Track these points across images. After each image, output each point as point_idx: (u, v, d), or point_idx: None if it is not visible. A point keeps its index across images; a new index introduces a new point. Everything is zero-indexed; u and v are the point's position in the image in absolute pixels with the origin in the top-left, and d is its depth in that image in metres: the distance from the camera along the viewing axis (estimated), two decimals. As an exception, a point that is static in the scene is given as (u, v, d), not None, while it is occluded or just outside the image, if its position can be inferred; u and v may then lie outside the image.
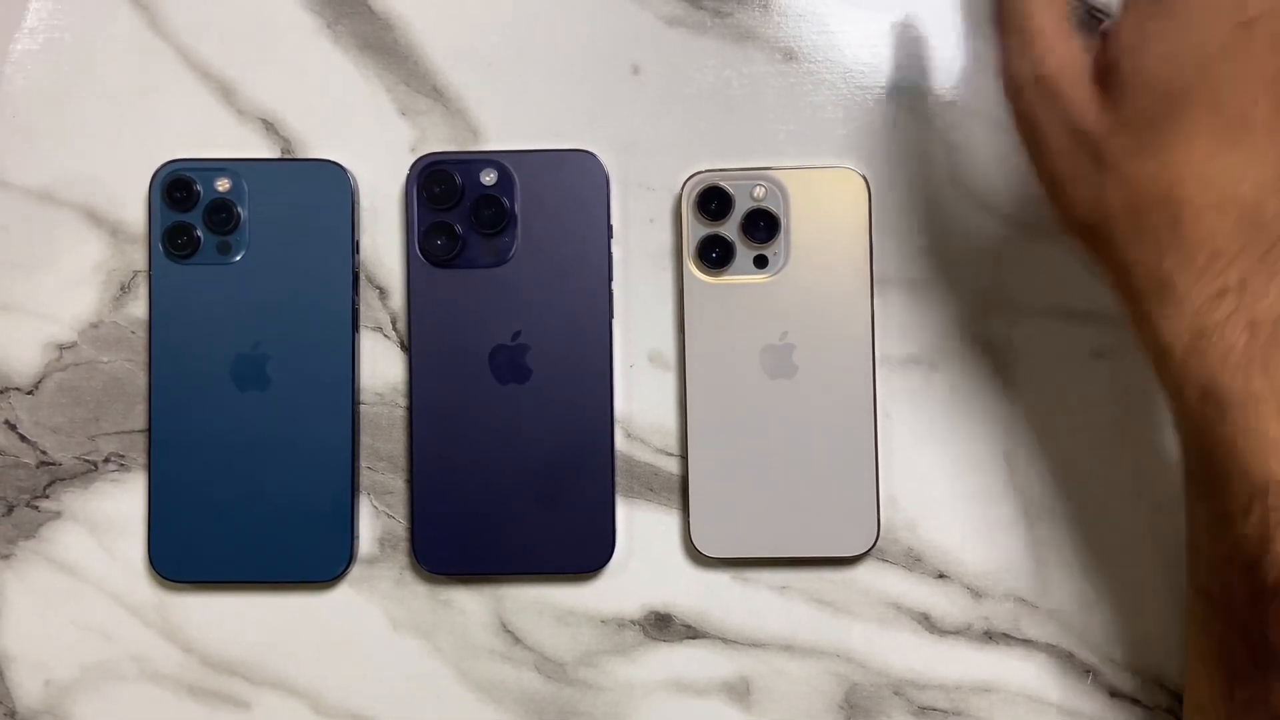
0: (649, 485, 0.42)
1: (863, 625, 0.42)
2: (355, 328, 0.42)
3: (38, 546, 0.43)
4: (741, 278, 0.41)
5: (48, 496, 0.43)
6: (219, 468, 0.41)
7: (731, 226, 0.41)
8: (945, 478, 0.42)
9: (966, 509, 0.42)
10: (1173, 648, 0.41)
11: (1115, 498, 0.41)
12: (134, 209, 0.43)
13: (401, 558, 0.42)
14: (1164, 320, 0.31)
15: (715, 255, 0.41)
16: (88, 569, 0.42)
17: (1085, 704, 0.41)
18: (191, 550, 0.41)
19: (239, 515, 0.41)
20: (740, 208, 0.41)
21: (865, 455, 0.41)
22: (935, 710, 0.41)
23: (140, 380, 0.42)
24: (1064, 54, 0.32)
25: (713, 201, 0.41)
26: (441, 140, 0.43)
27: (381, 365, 0.42)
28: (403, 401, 0.42)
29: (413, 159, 0.42)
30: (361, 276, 0.42)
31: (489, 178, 0.41)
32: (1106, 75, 0.32)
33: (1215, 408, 0.30)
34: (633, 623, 0.42)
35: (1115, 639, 0.41)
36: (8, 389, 0.43)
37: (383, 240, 0.43)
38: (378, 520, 0.42)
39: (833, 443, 0.41)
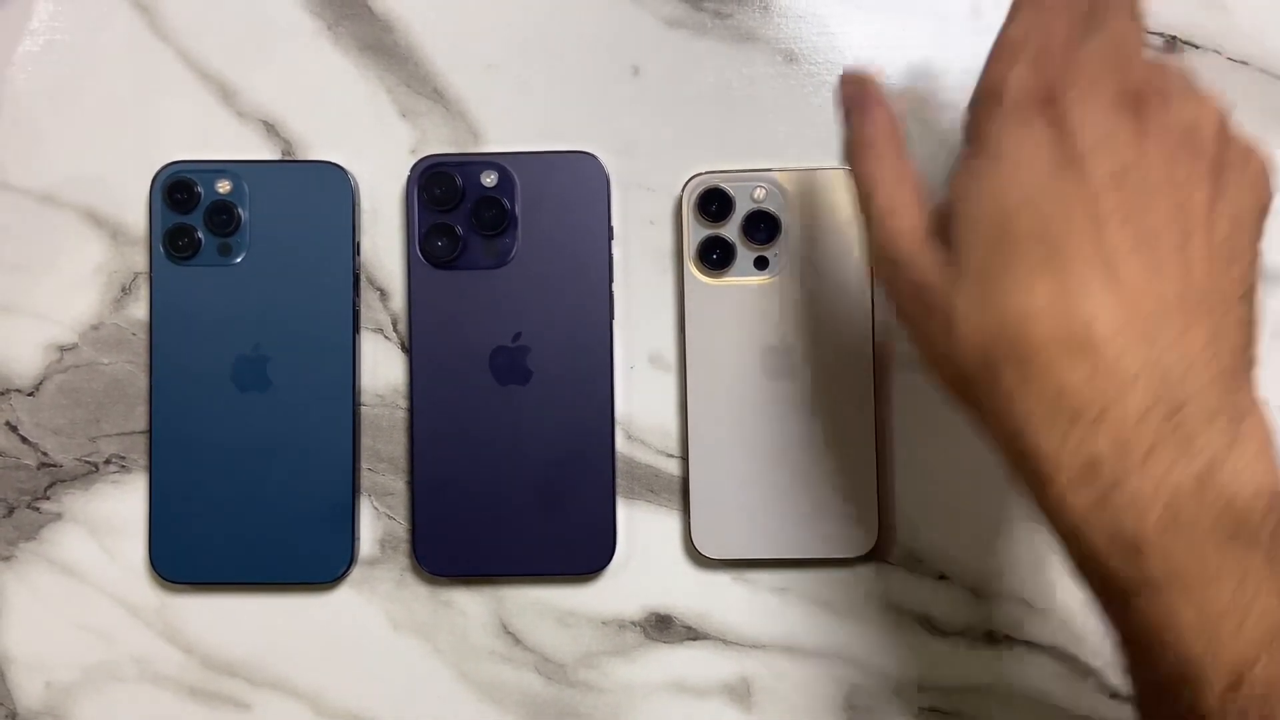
0: (649, 486, 0.42)
1: (864, 627, 0.42)
2: (356, 329, 0.42)
3: (38, 548, 0.43)
4: (742, 279, 0.41)
5: (48, 498, 0.43)
6: (220, 469, 0.41)
7: (732, 228, 0.41)
8: (946, 478, 0.42)
9: (967, 510, 0.42)
10: (1173, 649, 0.41)
11: (1116, 499, 0.41)
12: (135, 211, 0.43)
13: (402, 559, 0.42)
14: (1041, 495, 0.28)
15: (716, 256, 0.41)
16: (88, 570, 0.42)
17: (1087, 705, 0.41)
18: (192, 551, 0.41)
19: (240, 516, 0.41)
20: (741, 209, 0.41)
21: (866, 456, 0.41)
22: (936, 711, 0.41)
23: (141, 382, 0.42)
24: (906, 221, 0.30)
25: (713, 203, 0.41)
26: (442, 142, 0.43)
27: (382, 367, 0.42)
28: (403, 403, 0.42)
29: (413, 160, 0.42)
30: (362, 278, 0.42)
31: (489, 179, 0.41)
32: (946, 228, 0.30)
33: (1117, 594, 0.27)
34: (633, 624, 0.42)
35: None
36: (9, 390, 0.43)
37: (383, 242, 0.43)
38: (378, 521, 0.42)
39: (833, 444, 0.41)
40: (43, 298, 0.43)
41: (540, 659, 0.42)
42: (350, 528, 0.41)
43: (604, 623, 0.42)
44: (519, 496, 0.41)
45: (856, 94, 0.33)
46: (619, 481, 0.41)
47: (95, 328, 0.43)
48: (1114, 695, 0.41)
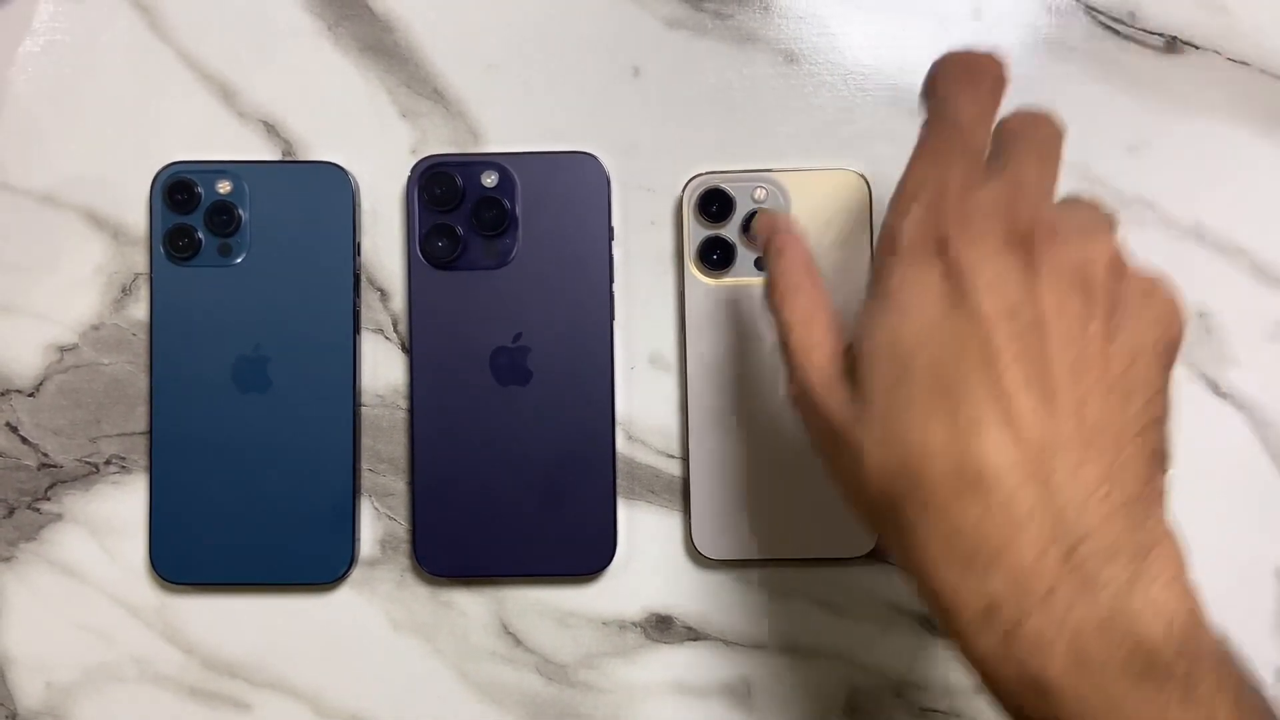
0: (650, 487, 0.42)
1: (864, 627, 0.42)
2: (356, 330, 0.42)
3: (39, 548, 0.43)
4: (743, 280, 0.41)
5: (49, 499, 0.43)
6: (220, 470, 0.41)
7: (732, 228, 0.41)
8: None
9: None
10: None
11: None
12: (135, 211, 0.43)
13: (402, 559, 0.42)
14: (950, 632, 0.27)
15: (716, 257, 0.41)
16: (89, 571, 0.42)
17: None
18: (192, 552, 0.41)
19: (240, 517, 0.41)
20: (741, 209, 0.41)
21: (866, 457, 0.41)
22: (936, 711, 0.41)
23: (141, 382, 0.42)
24: (817, 358, 0.31)
25: (714, 203, 0.41)
26: (442, 142, 0.43)
27: (382, 367, 0.42)
28: (404, 403, 0.42)
29: (413, 161, 0.42)
30: (362, 278, 0.42)
31: (490, 180, 0.41)
32: (852, 369, 0.30)
33: None
34: (634, 624, 0.42)
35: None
36: (9, 391, 0.43)
37: (384, 242, 0.43)
38: (379, 522, 0.42)
39: (834, 444, 0.41)
40: (43, 298, 0.43)
41: (541, 660, 0.42)
42: (350, 528, 0.41)
43: (604, 623, 0.42)
44: (519, 497, 0.41)
45: (771, 236, 0.34)
46: (619, 482, 0.41)
47: (95, 328, 0.43)
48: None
